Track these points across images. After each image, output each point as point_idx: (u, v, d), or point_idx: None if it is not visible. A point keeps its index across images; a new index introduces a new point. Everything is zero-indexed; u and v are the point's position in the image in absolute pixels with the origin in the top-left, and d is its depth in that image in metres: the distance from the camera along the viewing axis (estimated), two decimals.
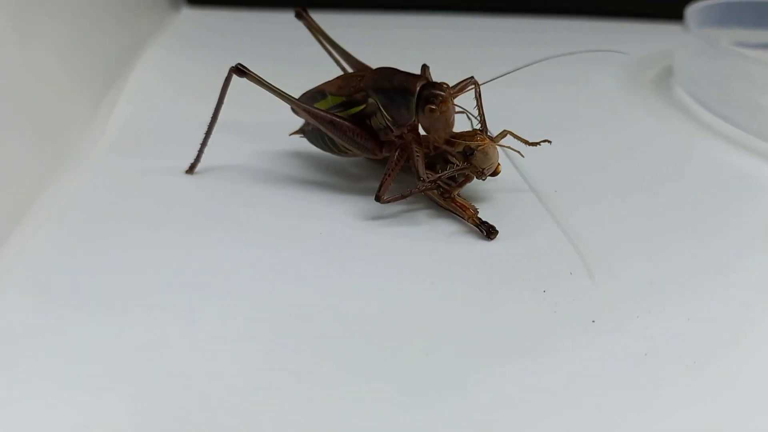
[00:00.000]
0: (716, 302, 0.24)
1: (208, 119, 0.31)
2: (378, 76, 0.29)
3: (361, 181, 0.32)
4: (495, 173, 0.29)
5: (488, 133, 0.29)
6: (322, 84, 0.32)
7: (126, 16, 0.47)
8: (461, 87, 0.29)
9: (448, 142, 0.28)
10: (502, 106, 0.30)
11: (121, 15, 0.46)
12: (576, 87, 0.43)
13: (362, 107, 0.30)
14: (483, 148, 0.28)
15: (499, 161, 0.28)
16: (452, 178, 0.29)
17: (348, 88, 0.30)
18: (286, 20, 0.54)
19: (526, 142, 0.30)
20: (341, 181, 0.32)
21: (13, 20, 0.31)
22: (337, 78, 0.32)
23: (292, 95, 0.30)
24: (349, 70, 0.33)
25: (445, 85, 0.28)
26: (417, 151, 0.28)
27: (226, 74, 0.30)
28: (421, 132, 0.29)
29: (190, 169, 0.32)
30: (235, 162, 0.33)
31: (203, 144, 0.31)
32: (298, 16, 0.33)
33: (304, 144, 0.33)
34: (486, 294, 0.25)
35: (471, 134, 0.29)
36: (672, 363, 0.22)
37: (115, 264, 0.26)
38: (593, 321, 0.23)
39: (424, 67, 0.31)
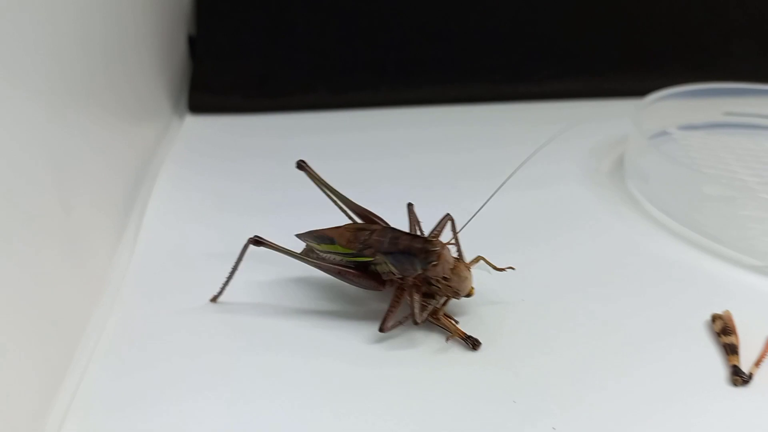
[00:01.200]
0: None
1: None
2: (383, 239, 0.34)
3: (363, 304, 0.37)
4: (469, 295, 0.34)
5: (464, 259, 0.35)
6: (331, 230, 0.36)
7: (131, 129, 0.49)
8: (442, 225, 0.35)
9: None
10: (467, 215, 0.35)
11: (125, 127, 0.48)
12: (539, 190, 0.48)
13: (370, 259, 0.34)
14: (458, 272, 0.33)
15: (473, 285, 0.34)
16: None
17: (356, 243, 0.35)
18: (286, 121, 0.63)
19: (495, 268, 0.36)
20: (345, 307, 0.36)
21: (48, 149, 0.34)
22: (346, 230, 0.36)
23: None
24: (351, 214, 0.37)
25: (437, 241, 0.33)
26: (416, 299, 0.33)
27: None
28: None
29: (214, 299, 0.37)
30: (250, 290, 0.38)
31: (226, 282, 0.36)
32: (300, 167, 0.37)
33: (308, 268, 0.37)
34: (465, 407, 0.30)
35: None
36: None
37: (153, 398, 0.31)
38: (553, 428, 0.29)
39: (410, 206, 0.37)
